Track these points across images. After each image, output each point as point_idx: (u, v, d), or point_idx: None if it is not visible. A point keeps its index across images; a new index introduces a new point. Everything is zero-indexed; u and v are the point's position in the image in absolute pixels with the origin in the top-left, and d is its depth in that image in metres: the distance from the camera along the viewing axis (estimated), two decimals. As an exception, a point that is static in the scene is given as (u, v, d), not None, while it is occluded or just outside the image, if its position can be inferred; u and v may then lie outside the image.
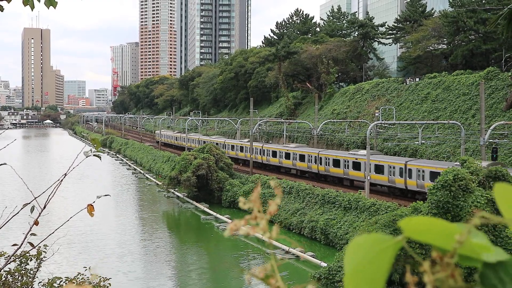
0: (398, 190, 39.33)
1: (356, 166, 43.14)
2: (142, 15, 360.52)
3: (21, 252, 6.43)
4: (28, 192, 4.08)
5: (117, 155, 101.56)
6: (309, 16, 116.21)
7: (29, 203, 4.11)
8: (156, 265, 32.22)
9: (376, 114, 57.57)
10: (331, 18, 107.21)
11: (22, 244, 4.44)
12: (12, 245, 4.79)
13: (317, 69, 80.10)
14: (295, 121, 70.18)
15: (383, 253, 0.78)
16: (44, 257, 7.60)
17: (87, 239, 37.07)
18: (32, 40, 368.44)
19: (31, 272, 7.49)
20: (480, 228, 0.77)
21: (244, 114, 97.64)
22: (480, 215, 0.77)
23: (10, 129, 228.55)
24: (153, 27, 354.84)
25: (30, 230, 4.17)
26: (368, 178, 37.00)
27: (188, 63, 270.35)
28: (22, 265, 7.47)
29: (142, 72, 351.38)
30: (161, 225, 44.14)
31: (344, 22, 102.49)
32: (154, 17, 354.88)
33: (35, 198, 4.08)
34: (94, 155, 3.96)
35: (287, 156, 53.66)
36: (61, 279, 7.49)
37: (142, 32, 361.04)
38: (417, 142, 43.11)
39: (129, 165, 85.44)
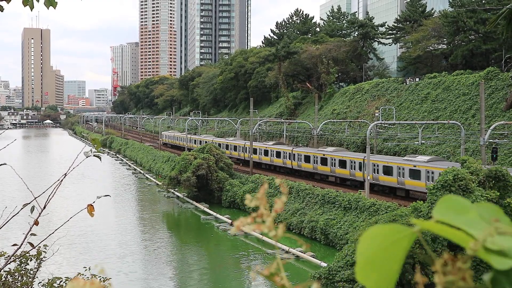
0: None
1: (324, 161, 47.71)
2: (142, 15, 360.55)
3: (21, 252, 6.44)
4: (28, 192, 4.08)
5: (117, 155, 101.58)
6: (309, 16, 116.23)
7: (29, 203, 4.11)
8: (157, 266, 32.23)
9: (376, 114, 57.56)
10: (331, 18, 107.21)
11: (22, 244, 4.44)
12: (12, 245, 4.79)
13: (317, 69, 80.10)
14: (295, 121, 70.17)
15: (398, 243, 0.77)
16: (44, 257, 7.60)
17: (87, 239, 37.07)
18: (32, 40, 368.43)
19: (31, 272, 7.49)
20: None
21: (244, 114, 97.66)
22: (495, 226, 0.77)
23: (10, 129, 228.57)
24: (153, 27, 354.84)
25: (30, 230, 4.18)
26: (368, 178, 37.03)
27: (188, 63, 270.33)
28: (22, 265, 7.47)
29: (142, 72, 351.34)
30: (161, 226, 44.15)
31: (344, 22, 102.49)
32: (154, 17, 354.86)
33: (35, 198, 4.08)
34: (94, 155, 3.96)
35: (324, 161, 47.21)
36: (61, 279, 7.50)
37: (142, 32, 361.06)
38: (417, 142, 43.12)
39: (129, 165, 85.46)
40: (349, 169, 44.20)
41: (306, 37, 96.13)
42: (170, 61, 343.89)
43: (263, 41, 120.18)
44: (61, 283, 7.46)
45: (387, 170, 40.50)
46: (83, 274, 8.09)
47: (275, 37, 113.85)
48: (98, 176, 69.88)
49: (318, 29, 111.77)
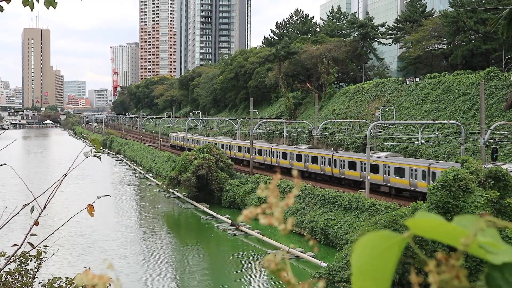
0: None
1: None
2: (142, 15, 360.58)
3: (21, 252, 6.44)
4: (28, 193, 4.08)
5: (117, 155, 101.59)
6: (309, 16, 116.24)
7: (29, 204, 4.11)
8: (158, 266, 32.21)
9: (376, 114, 57.57)
10: (331, 18, 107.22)
11: (22, 244, 4.44)
12: (12, 246, 4.79)
13: (317, 69, 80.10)
14: (295, 121, 70.18)
15: (389, 250, 0.78)
16: (44, 257, 7.60)
17: (88, 240, 37.06)
18: (32, 40, 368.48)
19: (31, 272, 7.49)
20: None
21: (244, 114, 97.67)
22: (487, 219, 0.77)
23: (10, 130, 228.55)
24: (153, 27, 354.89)
25: (30, 231, 4.18)
26: (368, 178, 37.03)
27: (188, 63, 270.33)
28: (22, 265, 7.47)
29: (142, 72, 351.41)
30: (161, 226, 44.16)
31: (344, 22, 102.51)
32: (154, 17, 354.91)
33: (35, 198, 4.08)
34: (94, 156, 3.96)
35: (375, 168, 41.09)
36: (61, 280, 7.49)
37: (142, 32, 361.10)
38: (417, 142, 43.13)
39: (129, 165, 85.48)
40: (409, 179, 38.67)
41: (306, 37, 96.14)
42: (170, 61, 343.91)
43: (263, 41, 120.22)
44: (61, 283, 7.46)
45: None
46: (89, 269, 8.06)
47: (275, 37, 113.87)
48: (98, 176, 69.89)
49: (318, 29, 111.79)
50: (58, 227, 4.33)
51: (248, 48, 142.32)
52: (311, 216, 36.66)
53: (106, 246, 36.09)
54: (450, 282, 0.74)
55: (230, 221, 41.53)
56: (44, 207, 3.89)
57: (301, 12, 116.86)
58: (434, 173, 35.67)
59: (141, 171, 76.45)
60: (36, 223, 4.25)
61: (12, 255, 5.19)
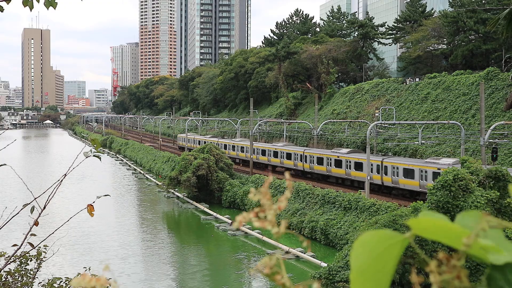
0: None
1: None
2: (142, 15, 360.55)
3: (21, 252, 6.44)
4: (28, 193, 4.08)
5: (117, 155, 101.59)
6: (309, 16, 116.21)
7: (29, 204, 4.12)
8: (159, 267, 32.20)
9: (376, 114, 57.57)
10: (331, 18, 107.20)
11: (22, 244, 4.44)
12: (12, 246, 4.79)
13: (317, 69, 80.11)
14: (295, 121, 70.17)
15: (390, 250, 0.77)
16: (44, 257, 7.60)
17: (89, 240, 37.04)
18: (32, 40, 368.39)
19: (31, 272, 7.49)
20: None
21: (244, 114, 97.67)
22: (487, 219, 0.76)
23: (10, 130, 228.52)
24: (153, 27, 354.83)
25: (30, 231, 4.18)
26: (369, 178, 37.03)
27: (188, 63, 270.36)
28: (22, 265, 7.47)
29: (142, 72, 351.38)
30: (162, 226, 44.15)
31: (344, 22, 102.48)
32: (154, 17, 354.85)
33: (35, 198, 4.08)
34: (94, 156, 3.96)
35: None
36: (61, 280, 7.49)
37: (142, 32, 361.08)
38: (417, 142, 43.13)
39: (129, 165, 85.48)
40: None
41: (306, 37, 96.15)
42: (170, 61, 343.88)
43: (263, 41, 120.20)
44: (61, 284, 7.45)
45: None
46: (89, 269, 8.08)
47: (275, 37, 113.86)
48: (98, 176, 69.89)
49: (318, 29, 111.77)
50: (58, 227, 4.33)
51: (248, 48, 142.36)
52: (311, 216, 36.65)
53: (107, 246, 36.06)
54: (451, 283, 0.73)
55: (230, 221, 41.56)
56: (44, 207, 3.89)
57: (301, 12, 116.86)
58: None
59: (141, 171, 76.45)
60: (36, 223, 4.25)
61: (12, 255, 5.19)
